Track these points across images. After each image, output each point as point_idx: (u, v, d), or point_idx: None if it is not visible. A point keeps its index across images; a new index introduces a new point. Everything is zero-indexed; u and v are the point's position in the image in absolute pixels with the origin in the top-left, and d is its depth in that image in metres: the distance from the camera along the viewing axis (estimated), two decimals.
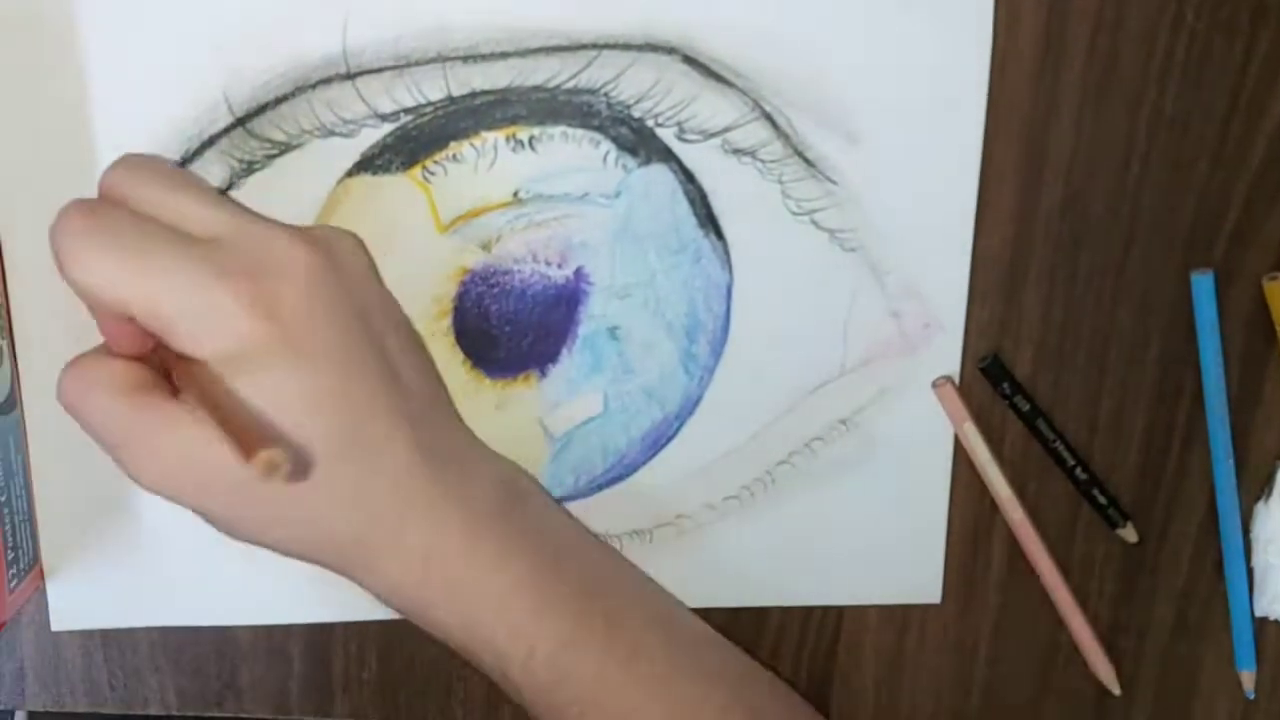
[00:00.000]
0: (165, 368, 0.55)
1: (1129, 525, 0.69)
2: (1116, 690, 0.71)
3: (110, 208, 0.53)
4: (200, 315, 0.51)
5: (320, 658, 0.69)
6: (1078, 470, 0.68)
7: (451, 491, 0.57)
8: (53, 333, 0.61)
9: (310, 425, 0.53)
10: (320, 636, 0.68)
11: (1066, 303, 0.66)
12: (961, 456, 0.68)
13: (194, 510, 0.55)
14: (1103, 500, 0.69)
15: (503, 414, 0.65)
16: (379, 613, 0.67)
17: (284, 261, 0.53)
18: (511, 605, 0.58)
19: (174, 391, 0.54)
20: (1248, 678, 0.71)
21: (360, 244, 0.58)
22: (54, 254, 0.51)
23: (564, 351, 0.64)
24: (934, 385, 0.66)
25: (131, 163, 0.54)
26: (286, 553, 0.57)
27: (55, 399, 0.61)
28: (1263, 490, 0.69)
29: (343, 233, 0.58)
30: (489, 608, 0.58)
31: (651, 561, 0.67)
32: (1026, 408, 0.67)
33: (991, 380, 0.67)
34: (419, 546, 0.57)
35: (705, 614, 0.69)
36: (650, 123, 0.61)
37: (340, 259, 0.56)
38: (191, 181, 0.55)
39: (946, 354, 0.66)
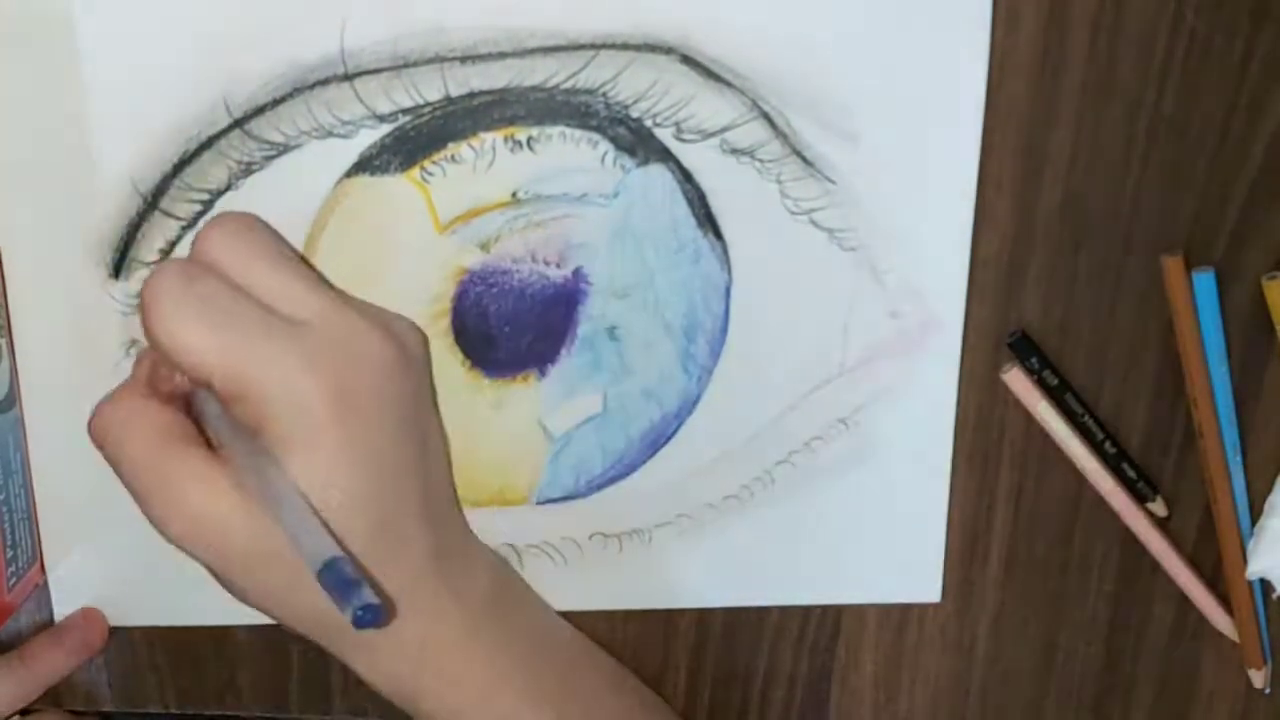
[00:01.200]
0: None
1: (1159, 499, 0.69)
2: (1237, 639, 0.71)
3: (209, 278, 0.54)
4: (280, 400, 0.53)
5: (319, 656, 0.68)
6: (1107, 444, 0.68)
7: (453, 586, 0.59)
8: (52, 331, 0.62)
9: (344, 519, 0.54)
10: None
11: (1066, 303, 0.66)
12: (961, 456, 0.68)
13: (208, 568, 0.56)
14: (1132, 474, 0.68)
15: (501, 414, 0.65)
16: None
17: (365, 357, 0.55)
18: (497, 697, 0.60)
19: (207, 442, 0.55)
20: (1257, 675, 0.71)
21: (424, 338, 0.61)
22: (143, 310, 0.53)
23: (563, 351, 0.64)
24: (1002, 372, 0.67)
25: (234, 229, 0.56)
26: (290, 625, 0.58)
27: (55, 398, 0.62)
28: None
29: (411, 325, 0.60)
30: (476, 699, 0.60)
31: (651, 561, 0.68)
32: (1055, 382, 0.67)
33: (1019, 356, 0.66)
34: (416, 637, 0.58)
35: (705, 613, 0.69)
36: (648, 122, 0.61)
37: (410, 354, 0.58)
38: (290, 259, 0.57)
39: (946, 353, 0.66)
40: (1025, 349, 0.66)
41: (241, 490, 0.53)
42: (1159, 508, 0.69)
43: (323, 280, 0.58)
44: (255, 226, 0.57)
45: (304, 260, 0.59)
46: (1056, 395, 0.67)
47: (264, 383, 0.53)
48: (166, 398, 0.56)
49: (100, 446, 0.55)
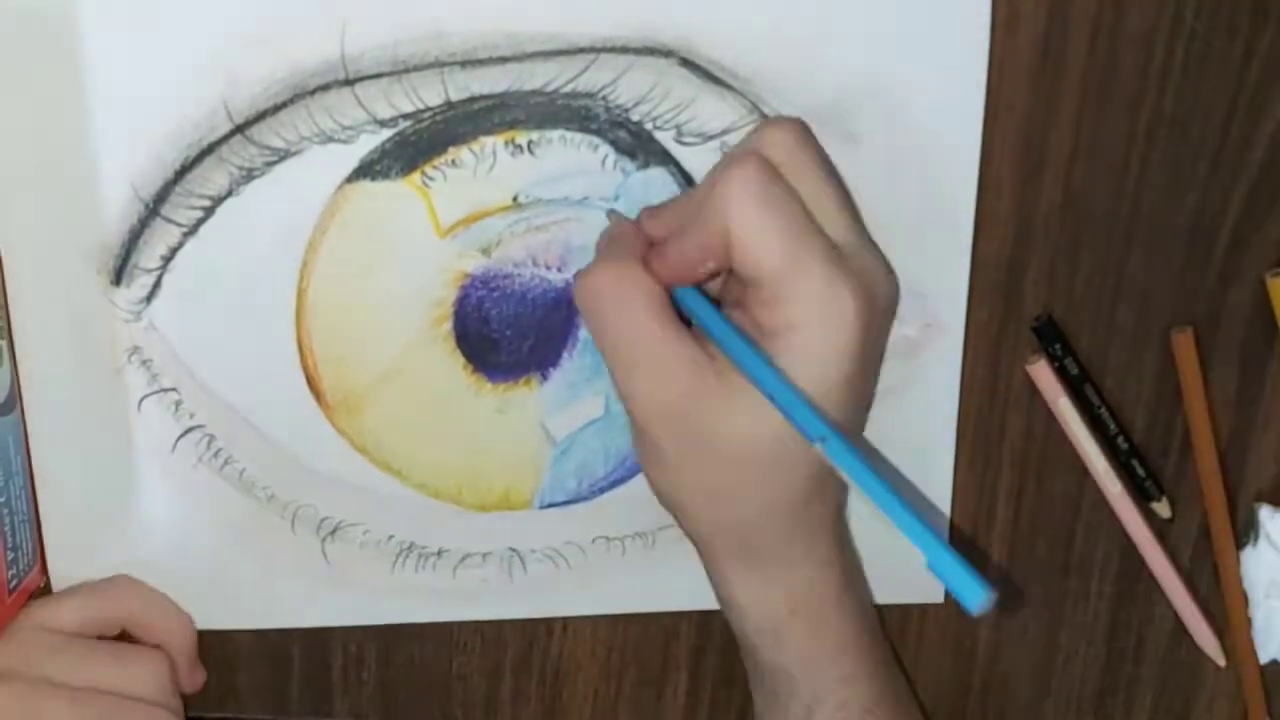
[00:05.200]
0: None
1: (1164, 499, 0.69)
2: (1222, 663, 0.72)
3: (781, 182, 0.56)
4: (819, 314, 0.55)
5: (319, 659, 0.69)
6: (1120, 439, 0.68)
7: (843, 537, 0.62)
8: (53, 335, 0.62)
9: (830, 413, 0.55)
10: (319, 638, 0.68)
11: (1066, 304, 0.66)
12: (961, 457, 0.68)
13: (658, 441, 0.58)
14: (1141, 472, 0.69)
15: (504, 418, 0.65)
16: (377, 616, 0.68)
17: (882, 295, 0.58)
18: (843, 656, 0.62)
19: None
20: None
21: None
22: (724, 198, 0.55)
23: (564, 355, 0.64)
24: (1027, 364, 0.67)
25: (798, 139, 0.57)
26: (695, 517, 0.60)
27: (57, 402, 0.62)
28: (1246, 535, 0.70)
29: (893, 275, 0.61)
30: (831, 652, 0.62)
31: (655, 564, 0.68)
32: (1075, 371, 0.67)
33: (1043, 341, 0.66)
34: (807, 577, 0.61)
35: (706, 616, 0.69)
36: (649, 126, 0.61)
37: (896, 302, 0.62)
38: (833, 178, 0.58)
39: (948, 355, 0.66)
40: (1051, 334, 0.66)
41: (727, 383, 0.56)
42: (1163, 508, 0.69)
43: (851, 203, 0.60)
44: (811, 139, 0.59)
45: (844, 192, 0.60)
46: (1074, 386, 0.67)
47: (811, 292, 0.55)
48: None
49: (588, 313, 0.58)
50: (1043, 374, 0.66)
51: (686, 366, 0.56)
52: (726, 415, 0.56)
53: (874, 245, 0.60)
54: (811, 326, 0.55)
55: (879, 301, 0.58)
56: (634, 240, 0.59)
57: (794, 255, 0.54)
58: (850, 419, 0.57)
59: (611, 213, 0.62)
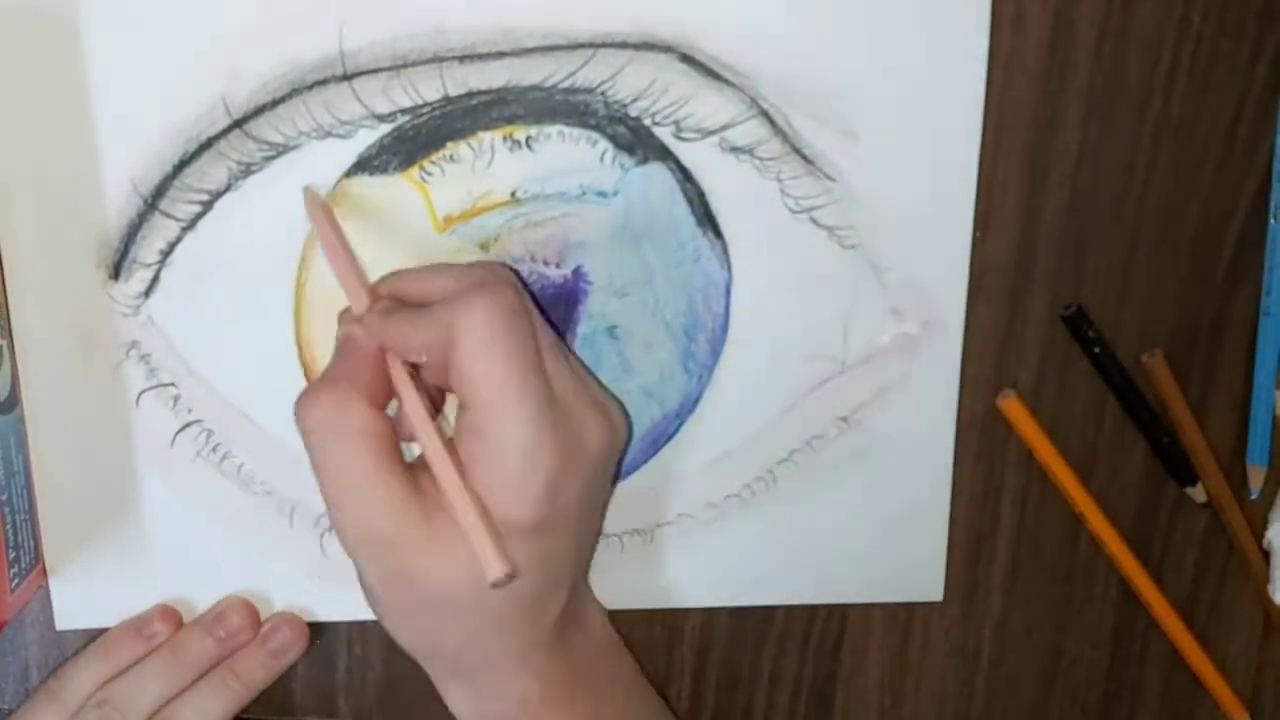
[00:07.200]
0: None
1: (1199, 485, 0.69)
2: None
3: (528, 320, 0.56)
4: (518, 448, 0.55)
5: (323, 659, 0.68)
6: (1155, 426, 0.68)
7: (565, 650, 0.61)
8: (52, 332, 0.62)
9: (524, 578, 0.55)
10: (323, 637, 0.68)
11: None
12: (966, 459, 0.68)
13: (363, 571, 0.58)
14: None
15: None
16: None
17: (593, 441, 0.58)
18: None
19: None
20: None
21: (629, 423, 0.63)
22: (476, 309, 0.54)
23: None
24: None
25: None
26: (407, 642, 0.60)
27: (56, 400, 0.62)
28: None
29: (621, 411, 0.62)
30: None
31: (653, 561, 0.68)
32: (1109, 361, 0.67)
33: (1074, 330, 0.66)
34: (519, 692, 0.60)
35: (711, 615, 0.69)
36: (647, 121, 0.61)
37: (617, 441, 0.60)
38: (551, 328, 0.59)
39: (947, 351, 0.66)
40: (1080, 323, 0.66)
41: (430, 528, 0.55)
42: (1198, 494, 0.69)
43: (570, 352, 0.61)
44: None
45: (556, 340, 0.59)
46: (1108, 372, 0.67)
47: (509, 436, 0.55)
48: (371, 395, 0.57)
49: (304, 436, 0.56)
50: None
51: (393, 508, 0.55)
52: (425, 560, 0.55)
53: (597, 390, 0.60)
54: (507, 468, 0.55)
55: (587, 452, 0.57)
56: (363, 358, 0.57)
57: (507, 394, 0.54)
58: (548, 557, 0.57)
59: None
